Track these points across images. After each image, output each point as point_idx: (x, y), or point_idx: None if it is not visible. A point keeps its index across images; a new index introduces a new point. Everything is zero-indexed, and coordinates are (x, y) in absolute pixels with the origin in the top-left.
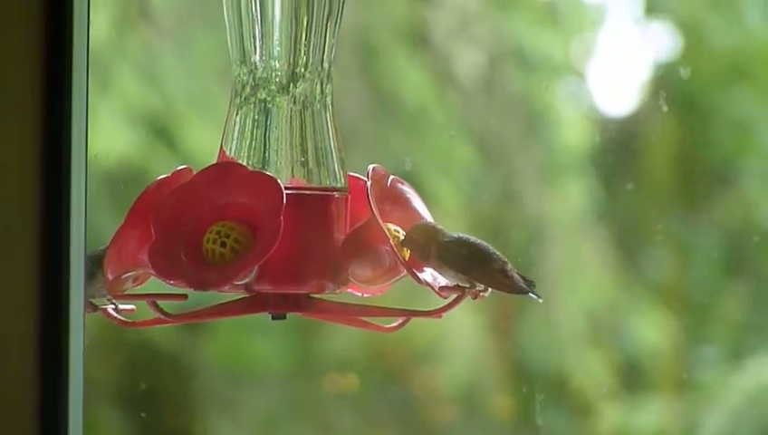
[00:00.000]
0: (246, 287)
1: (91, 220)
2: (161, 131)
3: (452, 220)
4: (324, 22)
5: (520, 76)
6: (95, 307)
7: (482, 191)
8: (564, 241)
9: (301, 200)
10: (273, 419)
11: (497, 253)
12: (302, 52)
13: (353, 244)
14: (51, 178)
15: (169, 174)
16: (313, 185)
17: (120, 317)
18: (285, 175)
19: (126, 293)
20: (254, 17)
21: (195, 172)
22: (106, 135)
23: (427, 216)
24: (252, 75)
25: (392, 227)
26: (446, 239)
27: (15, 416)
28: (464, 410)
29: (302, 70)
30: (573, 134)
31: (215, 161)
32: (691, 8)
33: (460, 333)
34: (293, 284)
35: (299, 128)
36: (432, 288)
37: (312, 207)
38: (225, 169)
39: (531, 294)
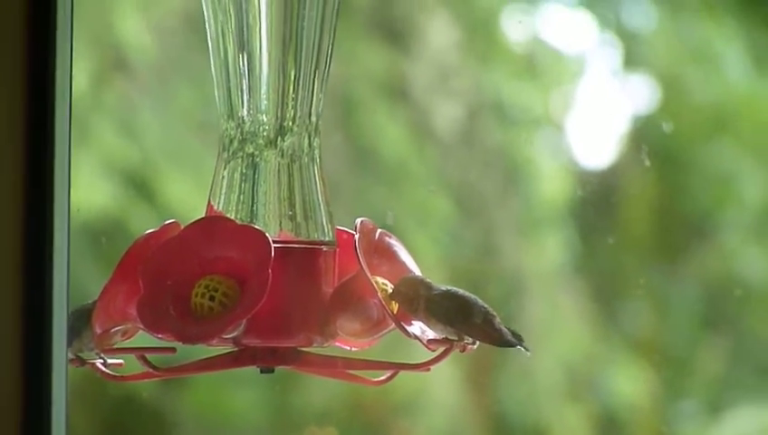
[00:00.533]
0: (235, 341)
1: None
2: (140, 185)
3: (430, 274)
4: (312, 75)
5: (499, 129)
6: (83, 362)
7: (460, 244)
8: (543, 294)
9: (289, 254)
10: None
11: (486, 306)
12: (290, 105)
13: (341, 297)
14: (34, 234)
15: (157, 228)
16: (301, 238)
17: (108, 371)
18: (273, 229)
19: (114, 347)
20: (242, 71)
21: (182, 226)
22: (85, 188)
23: (415, 269)
24: (239, 129)
25: (380, 280)
26: (435, 292)
27: None
28: None
29: (290, 123)
30: (552, 187)
31: (199, 215)
32: (670, 61)
33: (439, 385)
34: (281, 337)
35: (287, 181)
36: (420, 341)
37: (300, 260)
38: (213, 223)
39: (519, 346)
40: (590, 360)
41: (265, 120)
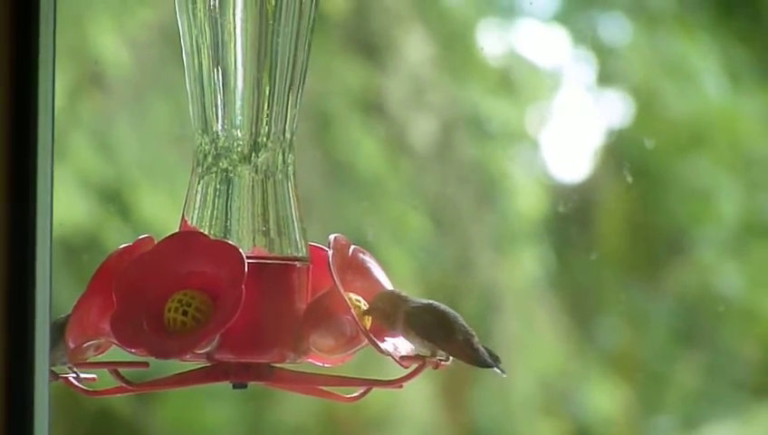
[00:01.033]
0: (208, 356)
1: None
2: (115, 200)
3: (405, 288)
4: (286, 91)
5: (474, 144)
6: (57, 376)
7: (436, 259)
8: (518, 309)
9: (262, 270)
10: None
11: (465, 324)
12: (265, 121)
13: (315, 313)
14: (16, 248)
15: (131, 243)
16: (275, 254)
17: (81, 386)
18: (247, 244)
19: (87, 361)
20: (216, 87)
21: (156, 241)
22: (61, 203)
23: (389, 285)
24: (214, 145)
25: (354, 296)
26: (415, 305)
27: None
28: None
29: (265, 139)
30: (528, 202)
31: (174, 230)
32: (645, 76)
33: (413, 401)
34: (255, 353)
35: (261, 197)
36: (393, 357)
37: (274, 276)
38: (186, 239)
39: (496, 368)
40: (566, 375)
41: (240, 135)
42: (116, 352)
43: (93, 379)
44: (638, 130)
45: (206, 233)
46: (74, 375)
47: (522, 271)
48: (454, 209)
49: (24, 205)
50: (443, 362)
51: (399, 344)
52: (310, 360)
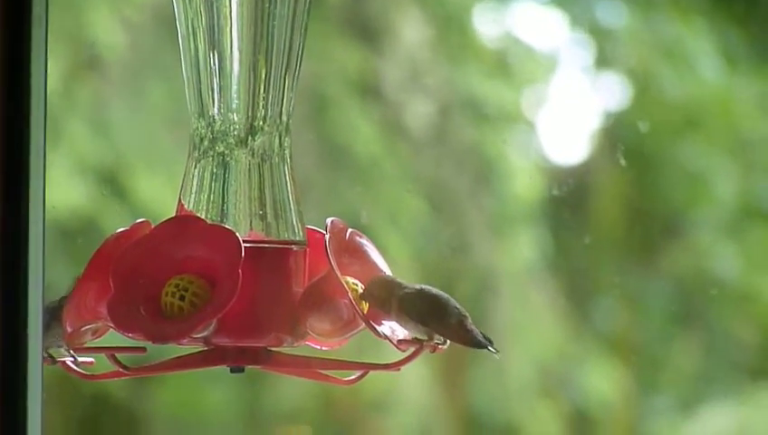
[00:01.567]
0: (205, 341)
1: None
2: (112, 183)
3: (401, 271)
4: (283, 75)
5: (471, 126)
6: (54, 360)
7: (432, 242)
8: (515, 292)
9: (259, 254)
10: None
11: (458, 306)
12: (261, 105)
13: (312, 297)
14: (9, 232)
15: (128, 227)
16: (272, 238)
17: (78, 370)
18: (244, 228)
19: (85, 345)
20: (213, 70)
21: (153, 225)
22: (57, 187)
23: (386, 269)
24: (210, 128)
25: (351, 280)
26: (408, 291)
27: None
28: None
29: (261, 123)
30: (524, 184)
31: (171, 214)
32: (642, 59)
33: (411, 383)
34: (252, 337)
35: (257, 181)
36: (391, 341)
37: (271, 260)
38: (183, 223)
39: (489, 349)
40: (563, 358)
41: (236, 119)
42: (113, 337)
43: (91, 363)
44: (634, 112)
45: (202, 217)
46: (72, 359)
47: (518, 254)
48: (450, 192)
49: (16, 188)
50: (440, 346)
51: (397, 328)
52: (307, 343)
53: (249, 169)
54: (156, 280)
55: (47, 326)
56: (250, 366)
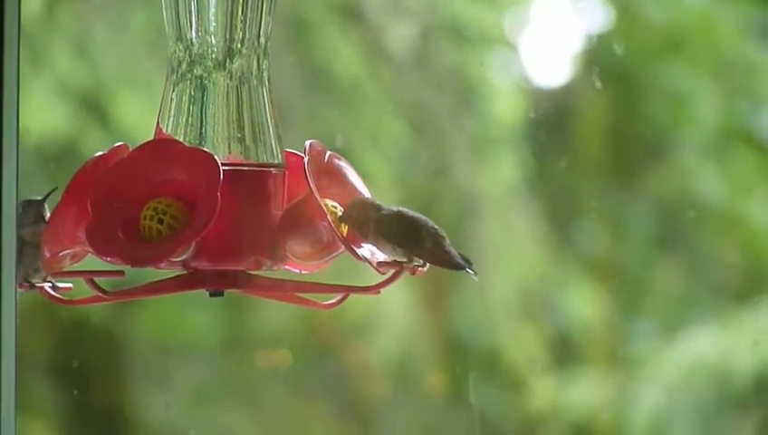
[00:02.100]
0: (183, 264)
1: (22, 196)
2: (93, 107)
3: (383, 194)
4: None
5: (452, 49)
6: (32, 285)
7: (414, 165)
8: (496, 215)
9: (238, 176)
10: (204, 392)
11: (436, 227)
12: (239, 27)
13: (291, 220)
14: None
15: (106, 151)
16: (250, 161)
17: (57, 295)
18: (222, 151)
19: (63, 270)
20: None
21: (131, 149)
22: (38, 111)
23: (365, 191)
24: (188, 51)
25: (330, 202)
26: (385, 214)
27: None
28: (396, 385)
29: (239, 46)
30: (506, 107)
31: (151, 138)
32: None
33: (393, 307)
34: (231, 260)
35: (235, 104)
36: (370, 264)
37: (249, 183)
38: (161, 146)
39: (467, 270)
40: (545, 281)
41: (214, 42)
42: (92, 262)
43: (69, 288)
44: (616, 35)
45: (180, 140)
46: (50, 285)
47: (500, 176)
48: (432, 115)
49: None
50: (420, 268)
51: (376, 251)
52: (286, 267)
53: (227, 92)
54: (134, 204)
55: (25, 220)
56: (229, 290)
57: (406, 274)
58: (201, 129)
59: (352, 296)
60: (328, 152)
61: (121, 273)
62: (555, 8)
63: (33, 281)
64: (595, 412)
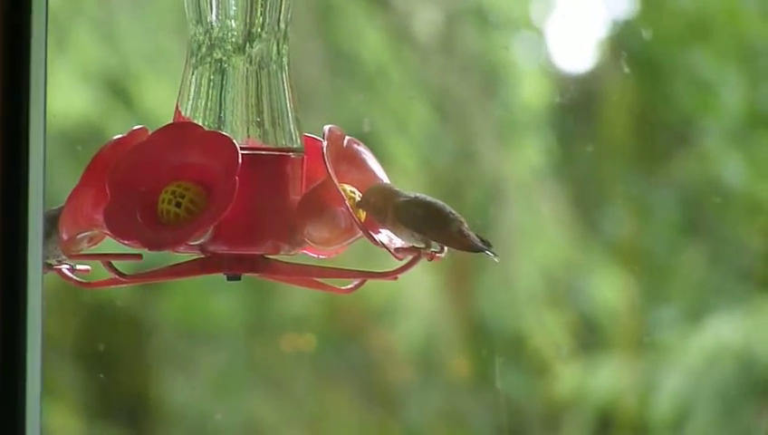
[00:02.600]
0: (201, 248)
1: (48, 179)
2: (118, 90)
3: (409, 179)
4: None
5: (478, 34)
6: (50, 267)
7: (439, 150)
8: (522, 200)
9: (256, 161)
10: (228, 377)
11: (453, 212)
12: (259, 11)
13: (309, 205)
14: (9, 139)
15: (125, 134)
16: (269, 145)
17: (75, 277)
18: (241, 135)
19: (81, 253)
20: None
21: (150, 132)
22: (63, 94)
23: (383, 177)
24: (208, 35)
25: (348, 187)
26: (403, 199)
27: None
28: (420, 370)
29: (259, 30)
30: (531, 92)
31: (171, 121)
32: None
33: (417, 292)
34: (249, 244)
35: (255, 88)
36: (388, 249)
37: (268, 167)
38: (180, 130)
39: (487, 252)
40: (570, 266)
41: (234, 25)
42: (109, 244)
43: (87, 270)
44: (641, 21)
45: (199, 124)
46: (68, 267)
47: (525, 161)
48: (457, 100)
49: (17, 94)
50: (438, 254)
51: (394, 236)
52: (304, 252)
53: (246, 76)
54: (152, 187)
55: (46, 234)
56: (247, 274)
57: (428, 261)
58: (220, 112)
59: (375, 281)
60: (347, 137)
61: (139, 256)
62: None
63: (51, 263)
64: (619, 397)
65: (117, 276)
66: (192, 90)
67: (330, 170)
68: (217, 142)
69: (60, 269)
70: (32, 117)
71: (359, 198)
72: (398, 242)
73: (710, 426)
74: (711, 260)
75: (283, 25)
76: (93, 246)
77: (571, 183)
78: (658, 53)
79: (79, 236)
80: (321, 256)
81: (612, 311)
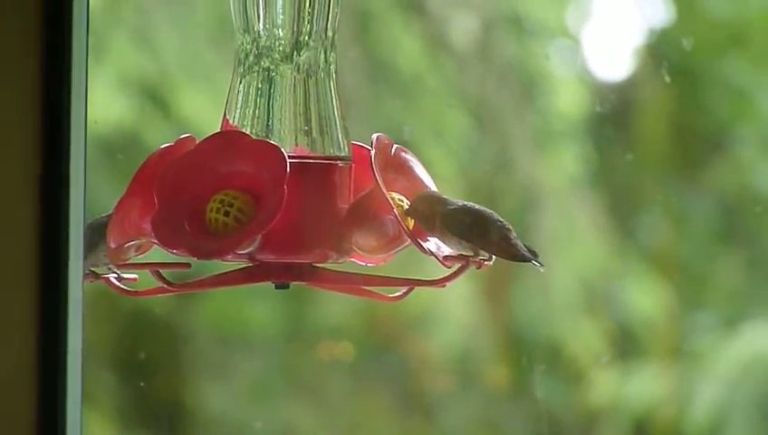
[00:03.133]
0: (249, 257)
1: (89, 186)
2: (156, 99)
3: (446, 187)
4: None
5: (515, 42)
6: (97, 276)
7: (476, 158)
8: (558, 208)
9: (304, 169)
10: (265, 384)
11: (502, 220)
12: (306, 20)
13: (357, 213)
14: (50, 146)
15: (172, 142)
16: (317, 154)
17: (122, 286)
18: (289, 144)
19: (129, 262)
20: None
21: (198, 141)
22: (101, 102)
23: (431, 184)
24: (255, 44)
25: (396, 196)
26: (451, 207)
27: (14, 385)
28: (458, 378)
29: (306, 38)
30: (568, 100)
31: (215, 129)
32: None
33: (454, 300)
34: (297, 253)
35: (302, 96)
36: (436, 257)
37: (316, 176)
38: (228, 138)
39: (533, 262)
40: (606, 274)
41: (281, 34)
42: (157, 253)
43: (134, 279)
44: (678, 29)
45: (247, 132)
46: (115, 276)
47: (562, 169)
48: (494, 108)
49: (58, 101)
50: (485, 262)
51: (442, 244)
52: (352, 260)
53: (294, 85)
54: (200, 196)
55: (93, 243)
56: (295, 282)
57: (476, 269)
58: (268, 121)
59: (415, 290)
60: (395, 145)
61: (187, 265)
62: (617, 1)
63: (99, 272)
64: (656, 406)
65: (164, 285)
66: (240, 98)
67: (378, 179)
68: (265, 151)
69: (107, 278)
70: (72, 124)
71: (407, 207)
72: (447, 250)
73: (746, 433)
74: (747, 268)
75: (330, 33)
76: (141, 255)
77: (608, 191)
78: (695, 61)
79: (127, 246)
80: (368, 265)
81: (649, 319)
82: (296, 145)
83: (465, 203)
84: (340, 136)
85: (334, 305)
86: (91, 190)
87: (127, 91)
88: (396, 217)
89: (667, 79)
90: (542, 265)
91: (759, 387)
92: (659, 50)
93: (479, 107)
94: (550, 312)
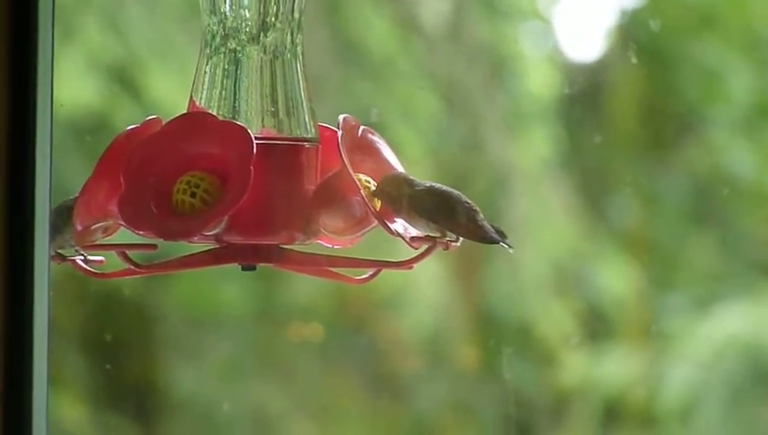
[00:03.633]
0: (216, 238)
1: (54, 169)
2: (126, 81)
3: (416, 168)
4: None
5: (485, 23)
6: (64, 258)
7: (446, 139)
8: (529, 189)
9: (271, 150)
10: (235, 365)
11: (469, 201)
12: (273, 1)
13: (324, 194)
14: (16, 128)
15: (139, 124)
16: (284, 135)
17: (88, 268)
18: (255, 125)
19: (95, 243)
20: None
21: (164, 122)
22: (70, 84)
23: (398, 166)
24: (222, 25)
25: (363, 177)
26: (418, 189)
27: None
28: (428, 359)
29: (273, 19)
30: (539, 82)
31: (184, 111)
32: None
33: (425, 281)
34: (263, 234)
35: (269, 78)
36: (403, 239)
37: (283, 157)
38: (194, 119)
39: (502, 243)
40: (577, 255)
41: (248, 15)
42: (124, 235)
43: (101, 261)
44: (649, 11)
45: (214, 114)
46: (82, 258)
47: (532, 151)
48: (465, 89)
49: (23, 85)
50: (453, 243)
51: (409, 226)
52: (319, 241)
53: (261, 66)
54: (167, 177)
55: (60, 226)
56: (262, 264)
57: (443, 250)
58: (234, 102)
59: (384, 271)
60: (361, 127)
61: (154, 246)
62: None
63: (65, 254)
64: (627, 387)
65: (131, 267)
66: (206, 80)
67: (345, 160)
68: (232, 132)
69: (74, 260)
70: (38, 106)
71: (373, 188)
72: (413, 231)
73: (718, 415)
74: (719, 249)
75: (296, 15)
76: (108, 237)
77: (579, 173)
78: (666, 42)
79: (93, 227)
80: (336, 246)
81: (620, 300)
82: (263, 126)
83: (433, 184)
84: (306, 117)
85: (304, 286)
86: (61, 173)
87: (96, 72)
88: (363, 198)
89: (634, 60)
90: (510, 246)
91: (730, 368)
92: (631, 31)
93: (449, 89)
94: (520, 293)
